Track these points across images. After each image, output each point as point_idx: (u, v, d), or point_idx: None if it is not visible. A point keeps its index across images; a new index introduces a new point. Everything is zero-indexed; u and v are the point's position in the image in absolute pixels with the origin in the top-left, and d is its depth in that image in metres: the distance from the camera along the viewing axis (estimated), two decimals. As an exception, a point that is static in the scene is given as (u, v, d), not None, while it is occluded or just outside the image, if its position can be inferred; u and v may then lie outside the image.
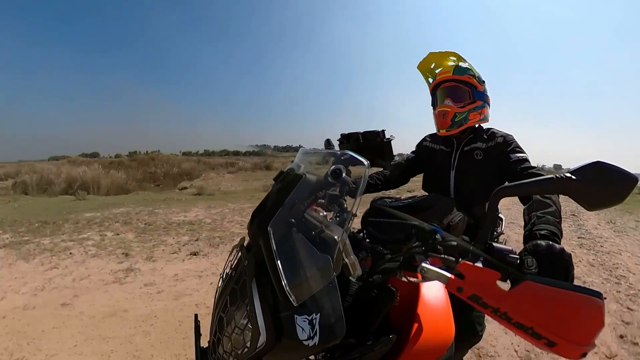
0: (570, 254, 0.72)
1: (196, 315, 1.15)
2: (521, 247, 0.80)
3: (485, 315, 1.54)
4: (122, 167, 14.86)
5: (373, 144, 1.21)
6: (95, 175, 13.15)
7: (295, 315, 0.72)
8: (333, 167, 0.86)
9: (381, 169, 1.78)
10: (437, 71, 1.69)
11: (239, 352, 0.78)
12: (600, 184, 0.61)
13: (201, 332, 1.09)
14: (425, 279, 0.73)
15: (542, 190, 0.72)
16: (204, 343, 1.02)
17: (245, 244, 0.92)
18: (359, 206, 0.78)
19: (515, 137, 1.55)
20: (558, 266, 0.70)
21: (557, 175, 0.64)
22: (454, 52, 1.62)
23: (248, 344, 0.76)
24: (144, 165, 16.01)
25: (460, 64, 1.60)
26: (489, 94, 1.61)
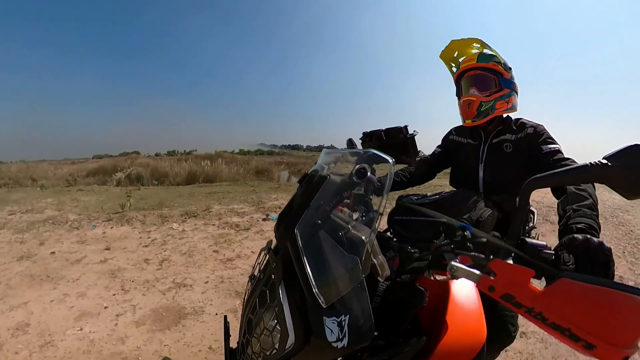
0: (610, 248, 0.69)
1: (225, 317, 1.18)
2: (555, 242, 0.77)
3: (519, 316, 1.51)
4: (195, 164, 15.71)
5: (396, 140, 1.20)
6: (218, 170, 14.59)
7: (324, 317, 0.73)
8: (357, 166, 0.86)
9: (406, 166, 1.76)
10: (460, 59, 1.65)
11: (268, 353, 0.80)
12: (639, 170, 0.58)
13: (230, 333, 1.11)
14: (455, 278, 0.72)
15: (576, 179, 0.69)
16: (233, 344, 1.05)
17: (272, 246, 0.94)
18: (385, 204, 0.78)
19: (546, 127, 1.50)
20: (597, 262, 0.67)
21: (592, 162, 0.61)
22: (477, 39, 1.57)
23: (277, 346, 0.78)
24: (213, 162, 16.62)
25: (485, 50, 1.56)
26: (516, 81, 1.56)
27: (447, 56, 1.69)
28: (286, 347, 0.76)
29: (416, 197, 1.13)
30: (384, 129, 1.23)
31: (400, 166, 1.76)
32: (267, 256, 0.93)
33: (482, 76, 1.53)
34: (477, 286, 0.69)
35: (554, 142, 1.42)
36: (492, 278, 0.67)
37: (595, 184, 1.08)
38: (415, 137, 1.18)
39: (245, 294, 1.00)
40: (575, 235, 0.73)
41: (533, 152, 1.44)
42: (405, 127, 1.19)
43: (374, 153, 0.86)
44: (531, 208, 1.57)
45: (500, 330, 1.49)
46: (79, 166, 15.85)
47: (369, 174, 0.85)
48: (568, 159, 1.33)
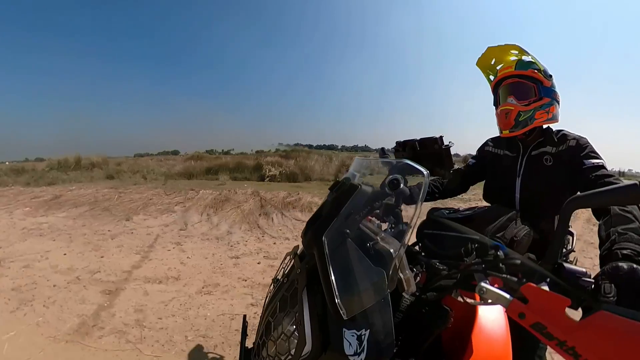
0: None
1: (245, 316, 1.20)
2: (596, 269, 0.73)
3: (548, 348, 1.43)
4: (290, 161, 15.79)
5: (431, 151, 1.17)
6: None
7: (344, 329, 0.73)
8: (390, 177, 0.86)
9: (437, 177, 1.73)
10: (498, 67, 1.61)
11: (282, 357, 0.82)
12: None
13: (248, 333, 1.13)
14: (483, 300, 0.70)
15: (623, 199, 0.65)
16: (250, 344, 1.07)
17: (299, 252, 0.95)
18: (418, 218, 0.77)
19: (590, 141, 1.43)
20: None
21: None
22: (515, 45, 1.53)
23: (292, 352, 0.79)
24: (295, 159, 16.91)
25: (523, 57, 1.51)
26: (557, 90, 1.50)
27: (484, 64, 1.66)
28: (302, 355, 0.77)
29: (448, 211, 1.11)
30: (418, 138, 1.21)
31: (434, 178, 1.72)
32: (293, 261, 0.94)
33: (521, 84, 1.48)
34: (506, 312, 0.67)
35: (598, 157, 1.35)
36: (523, 304, 0.64)
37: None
38: (450, 148, 1.16)
39: (267, 296, 1.02)
40: (620, 264, 0.69)
41: (574, 166, 1.38)
42: (441, 137, 1.17)
43: (408, 164, 0.85)
44: (570, 229, 1.50)
45: None
46: (189, 164, 15.65)
47: (402, 185, 0.84)
48: (611, 175, 1.26)
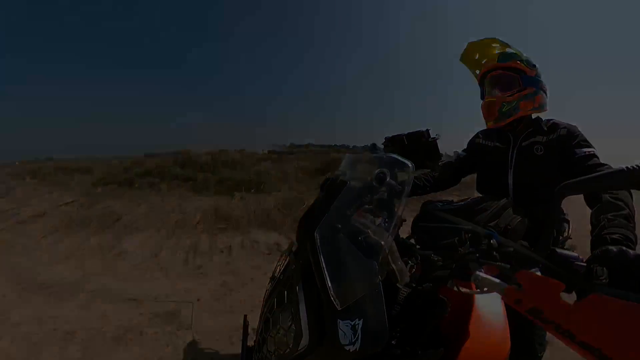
0: None
1: (245, 316, 1.20)
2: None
3: (547, 334, 1.43)
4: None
5: (418, 145, 1.17)
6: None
7: (338, 320, 0.74)
8: (377, 171, 0.86)
9: (429, 170, 1.72)
10: (483, 62, 1.62)
11: (282, 352, 0.82)
12: None
13: (249, 332, 1.13)
14: (479, 289, 0.70)
15: (613, 184, 0.64)
16: (251, 343, 1.07)
17: (294, 249, 0.95)
18: (411, 210, 0.77)
19: (580, 129, 1.42)
20: (633, 276, 0.63)
21: (630, 166, 0.55)
22: (495, 39, 1.55)
23: (291, 345, 0.80)
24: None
25: (507, 49, 1.53)
26: (543, 79, 1.50)
27: (468, 59, 1.67)
28: (299, 347, 0.77)
29: (441, 204, 1.11)
30: (405, 133, 1.21)
31: (423, 171, 1.71)
32: (288, 258, 0.94)
33: (504, 76, 1.49)
34: (503, 299, 0.67)
35: (589, 146, 1.34)
36: (519, 291, 0.64)
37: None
38: (437, 140, 1.16)
39: (265, 293, 1.02)
40: (610, 247, 0.70)
41: (565, 155, 1.37)
42: (427, 130, 1.17)
43: (394, 157, 0.86)
44: (566, 217, 1.50)
45: (526, 348, 1.42)
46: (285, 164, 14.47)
47: (388, 178, 0.84)
48: (604, 164, 1.25)
